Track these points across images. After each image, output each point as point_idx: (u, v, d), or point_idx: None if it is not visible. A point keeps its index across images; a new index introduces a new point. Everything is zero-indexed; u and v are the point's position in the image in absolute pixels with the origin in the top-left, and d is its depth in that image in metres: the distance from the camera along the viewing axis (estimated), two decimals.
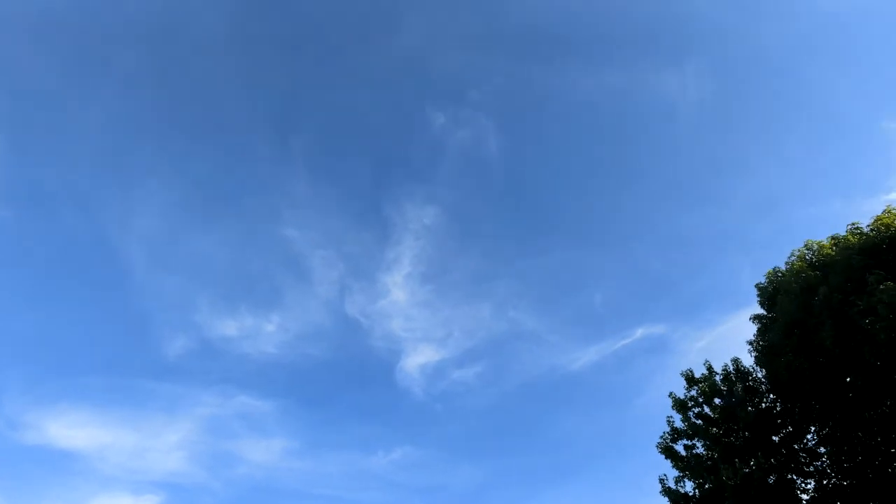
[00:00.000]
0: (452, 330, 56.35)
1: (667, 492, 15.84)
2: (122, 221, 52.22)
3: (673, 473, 16.05)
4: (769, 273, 16.43)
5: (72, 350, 51.43)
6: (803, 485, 14.82)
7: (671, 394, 16.75)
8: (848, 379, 14.16)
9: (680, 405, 16.46)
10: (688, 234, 57.33)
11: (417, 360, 53.38)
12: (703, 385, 16.18)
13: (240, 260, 56.31)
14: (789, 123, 54.40)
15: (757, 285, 16.61)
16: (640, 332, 53.46)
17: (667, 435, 16.41)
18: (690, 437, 16.11)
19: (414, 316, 56.19)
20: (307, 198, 56.84)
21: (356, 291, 56.58)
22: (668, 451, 16.17)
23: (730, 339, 47.14)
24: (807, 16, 51.12)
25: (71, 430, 43.23)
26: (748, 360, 16.56)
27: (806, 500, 14.63)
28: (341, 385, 55.36)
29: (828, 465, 14.72)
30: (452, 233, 59.87)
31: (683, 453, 16.07)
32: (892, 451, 13.97)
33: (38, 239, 50.86)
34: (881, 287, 12.52)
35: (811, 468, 14.87)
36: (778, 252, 51.14)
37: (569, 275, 59.46)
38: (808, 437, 15.20)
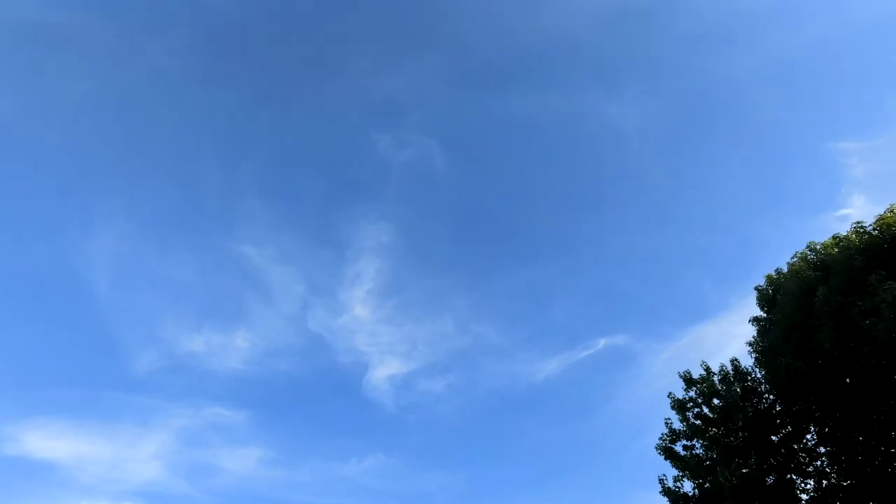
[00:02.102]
0: (416, 343, 57.77)
1: (666, 492, 15.79)
2: (84, 242, 53.15)
3: (671, 473, 16.02)
4: (769, 275, 16.26)
5: (42, 366, 52.01)
6: (802, 485, 14.79)
7: (670, 394, 16.68)
8: (847, 380, 14.06)
9: (679, 406, 16.37)
10: (645, 252, 59.43)
11: (384, 372, 54.62)
12: (702, 386, 16.07)
13: (202, 278, 57.39)
14: (734, 147, 56.78)
15: (756, 287, 16.46)
16: (602, 343, 54.95)
17: (666, 436, 16.33)
18: (689, 438, 16.05)
19: (377, 331, 57.47)
20: (262, 219, 58.48)
21: (318, 307, 57.91)
22: (667, 452, 16.11)
23: (694, 349, 49.25)
24: (744, 45, 53.45)
25: (48, 441, 43.63)
26: (747, 361, 16.48)
27: (805, 500, 14.61)
28: (310, 398, 56.63)
29: (827, 466, 14.68)
30: (409, 250, 61.97)
31: (683, 454, 16.01)
32: (892, 451, 13.93)
33: (1, 260, 50.59)
34: (884, 287, 12.36)
35: (810, 468, 14.84)
36: (736, 267, 54.22)
37: (526, 290, 61.35)
38: (808, 437, 15.14)
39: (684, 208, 58.52)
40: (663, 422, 16.46)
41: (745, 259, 54.62)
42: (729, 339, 47.44)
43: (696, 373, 16.72)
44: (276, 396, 54.51)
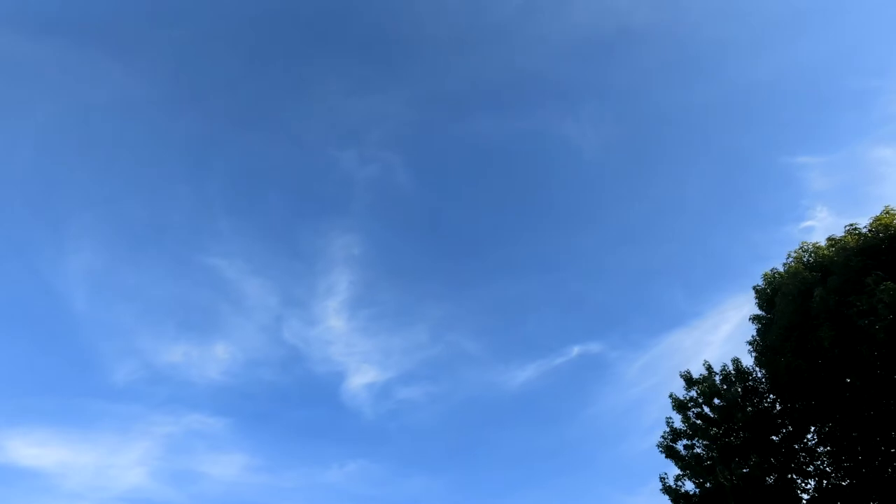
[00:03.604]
0: (391, 353, 59.03)
1: (667, 490, 15.99)
2: (58, 260, 54.68)
3: (673, 472, 16.22)
4: (766, 275, 16.45)
5: (22, 376, 53.26)
6: (803, 484, 14.88)
7: (671, 394, 16.90)
8: (847, 379, 14.18)
9: (679, 405, 16.57)
10: (614, 267, 61.13)
11: (362, 381, 55.79)
12: (703, 385, 16.27)
13: (176, 292, 58.77)
14: (694, 166, 59.12)
15: (754, 287, 16.64)
16: (576, 350, 56.22)
17: (667, 435, 16.54)
18: (690, 437, 16.23)
19: (353, 341, 58.60)
20: (232, 234, 59.91)
21: (293, 318, 59.13)
22: (668, 451, 16.30)
23: (668, 356, 50.52)
24: (704, 75, 55.76)
25: (33, 448, 44.60)
26: (748, 361, 16.63)
27: (806, 500, 14.69)
28: (288, 406, 57.67)
29: (827, 465, 14.77)
30: (380, 262, 63.50)
31: (684, 453, 16.21)
32: (892, 450, 13.99)
33: None
34: (881, 287, 12.53)
35: (811, 468, 14.93)
36: (706, 278, 57.10)
37: (497, 302, 62.91)
38: (808, 436, 15.23)
39: (651, 225, 61.11)
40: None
41: (713, 270, 57.55)
42: (702, 346, 48.90)
43: (697, 372, 16.97)
44: (255, 405, 55.85)
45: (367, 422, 54.42)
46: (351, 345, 58.25)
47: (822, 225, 48.93)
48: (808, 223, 48.72)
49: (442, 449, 54.47)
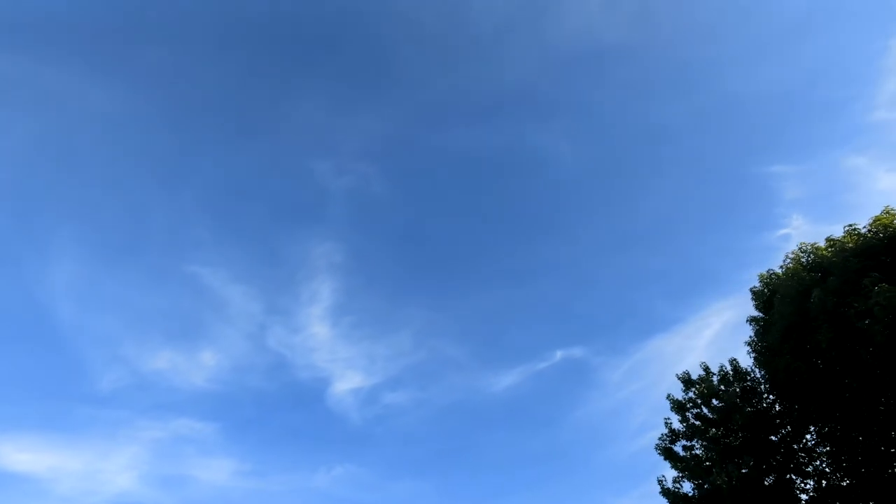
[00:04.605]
0: (375, 359, 59.62)
1: (665, 492, 15.97)
2: (41, 271, 54.82)
3: (671, 475, 16.21)
4: (762, 276, 16.34)
5: (8, 384, 53.38)
6: (802, 485, 14.86)
7: (669, 395, 16.84)
8: (846, 380, 14.12)
9: (678, 406, 16.53)
10: (595, 276, 61.97)
11: (347, 386, 56.46)
12: (701, 386, 16.22)
13: (159, 300, 59.12)
14: (668, 176, 60.06)
15: (751, 289, 16.54)
16: (560, 355, 56.92)
17: (665, 436, 16.51)
18: (689, 438, 16.20)
19: (336, 348, 59.15)
20: (212, 243, 59.98)
21: (276, 326, 59.48)
22: (666, 452, 16.26)
23: (652, 361, 51.56)
24: (678, 93, 56.47)
25: (23, 454, 45.11)
26: (746, 361, 16.59)
27: (805, 501, 14.68)
28: (275, 412, 58.32)
29: (826, 466, 14.74)
30: (361, 270, 64.01)
31: (682, 454, 16.18)
32: (892, 450, 13.95)
33: None
34: (877, 290, 12.44)
35: (810, 468, 14.90)
36: (686, 284, 58.36)
37: (479, 310, 63.54)
38: (807, 437, 15.20)
39: (631, 235, 61.86)
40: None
41: (694, 277, 58.67)
42: (685, 351, 49.78)
43: (696, 373, 16.90)
44: (242, 410, 56.55)
45: (353, 427, 55.30)
46: (335, 351, 59.21)
47: (798, 233, 50.31)
48: (785, 231, 49.93)
49: (430, 453, 55.38)
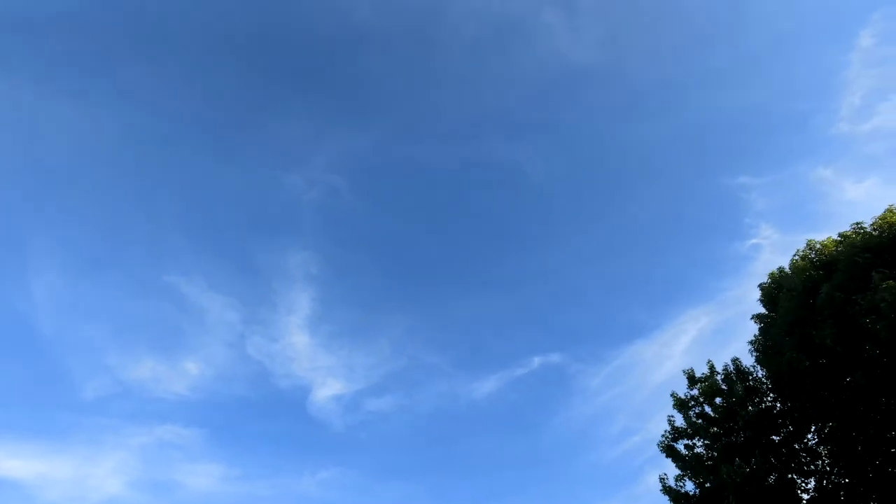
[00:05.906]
0: (355, 367, 60.61)
1: (667, 491, 15.79)
2: (22, 283, 54.88)
3: (673, 472, 16.05)
4: (772, 273, 16.41)
5: None
6: (804, 484, 14.81)
7: (672, 393, 16.75)
8: (849, 378, 14.15)
9: (681, 404, 16.44)
10: (572, 286, 63.93)
11: (328, 393, 57.23)
12: (704, 384, 16.15)
13: (138, 308, 59.83)
14: (642, 189, 62.69)
15: (760, 285, 16.61)
16: (538, 361, 58.32)
17: (668, 434, 16.37)
18: (691, 437, 16.09)
19: (316, 356, 59.95)
20: (189, 253, 60.92)
21: (255, 335, 60.09)
22: (668, 450, 16.13)
23: (632, 366, 53.07)
24: (636, 108, 59.09)
25: (9, 460, 44.71)
26: (748, 360, 16.57)
27: (806, 500, 14.62)
28: (258, 420, 58.96)
29: (828, 465, 14.71)
30: (338, 280, 65.37)
31: (684, 452, 16.05)
32: (893, 450, 13.97)
33: None
34: (883, 286, 12.49)
35: (812, 467, 14.85)
36: (663, 292, 60.24)
37: (455, 318, 65.15)
38: (809, 436, 15.18)
39: (607, 245, 63.98)
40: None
41: (670, 286, 60.88)
42: (663, 357, 51.03)
43: (700, 371, 16.84)
44: (226, 417, 56.69)
45: (336, 433, 55.75)
46: (315, 360, 59.63)
47: (769, 242, 51.97)
48: (755, 241, 51.74)
49: (416, 458, 55.93)
